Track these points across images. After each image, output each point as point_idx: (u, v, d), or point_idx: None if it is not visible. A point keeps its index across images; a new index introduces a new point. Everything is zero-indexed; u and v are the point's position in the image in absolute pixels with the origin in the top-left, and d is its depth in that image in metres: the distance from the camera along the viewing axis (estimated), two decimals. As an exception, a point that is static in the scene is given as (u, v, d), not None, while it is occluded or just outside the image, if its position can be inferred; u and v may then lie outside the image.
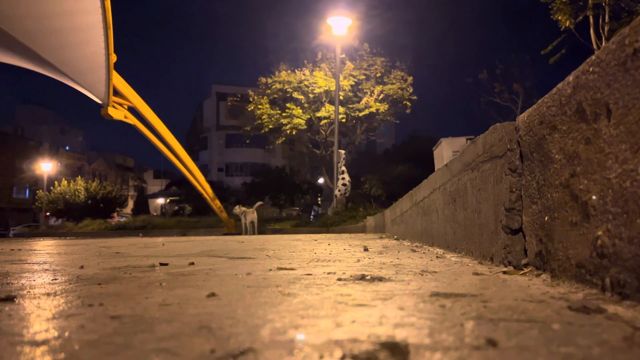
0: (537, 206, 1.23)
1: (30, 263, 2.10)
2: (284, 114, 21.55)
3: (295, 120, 21.36)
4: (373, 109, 21.08)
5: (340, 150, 15.36)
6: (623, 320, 0.68)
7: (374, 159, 29.86)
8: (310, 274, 1.40)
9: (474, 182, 1.83)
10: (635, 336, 0.60)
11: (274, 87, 21.97)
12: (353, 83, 21.17)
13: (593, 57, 0.93)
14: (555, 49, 10.89)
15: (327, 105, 21.19)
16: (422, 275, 1.33)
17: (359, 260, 1.89)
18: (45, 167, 37.11)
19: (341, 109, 19.42)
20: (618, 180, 0.83)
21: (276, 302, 0.91)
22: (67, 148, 59.09)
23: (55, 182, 28.39)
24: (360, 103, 21.23)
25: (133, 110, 9.60)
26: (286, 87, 21.61)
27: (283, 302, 0.91)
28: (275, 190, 24.34)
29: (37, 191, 36.93)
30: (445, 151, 9.53)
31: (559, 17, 10.14)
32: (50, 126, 59.86)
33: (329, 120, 21.26)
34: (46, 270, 1.73)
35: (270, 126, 22.16)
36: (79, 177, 29.43)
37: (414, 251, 2.51)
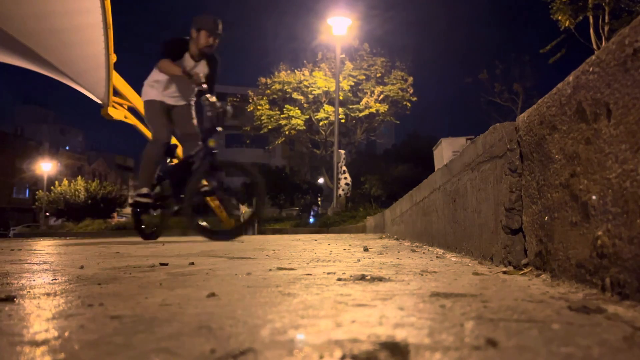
0: (537, 206, 1.23)
1: (30, 263, 2.10)
2: (282, 115, 21.54)
3: (294, 121, 21.38)
4: (373, 110, 21.09)
5: (340, 151, 15.37)
6: (623, 320, 0.68)
7: (374, 159, 29.88)
8: (310, 274, 1.40)
9: (474, 182, 1.83)
10: (635, 336, 0.60)
11: (273, 87, 21.98)
12: (353, 84, 21.18)
13: (593, 57, 0.93)
14: (554, 49, 10.90)
15: (326, 106, 21.17)
16: (422, 275, 1.34)
17: (359, 260, 1.89)
18: (45, 167, 37.13)
19: (341, 110, 19.42)
20: (618, 180, 0.83)
21: (276, 302, 0.91)
22: (67, 148, 59.08)
23: (56, 182, 28.39)
24: (360, 104, 21.24)
25: (133, 110, 9.59)
26: (286, 87, 21.62)
27: (283, 302, 0.91)
28: (275, 190, 24.34)
29: (37, 191, 36.91)
30: (445, 151, 9.54)
31: (559, 17, 10.15)
32: (50, 126, 59.86)
33: (328, 120, 21.26)
34: (46, 270, 1.73)
35: (270, 127, 22.18)
36: (79, 177, 29.43)
37: (414, 251, 2.51)
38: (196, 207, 4.67)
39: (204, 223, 4.64)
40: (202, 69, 4.62)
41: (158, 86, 4.61)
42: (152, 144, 4.62)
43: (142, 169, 4.64)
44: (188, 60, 4.52)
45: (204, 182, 4.70)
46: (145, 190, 4.60)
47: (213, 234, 4.50)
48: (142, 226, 5.05)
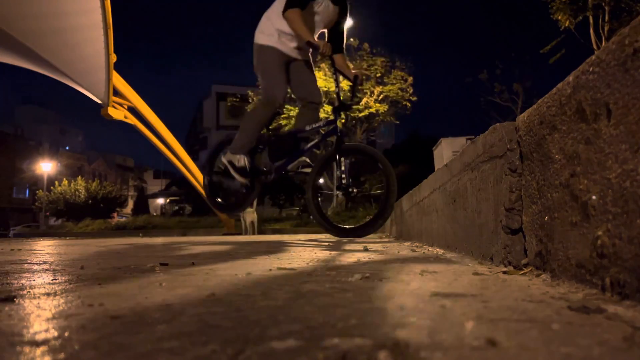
0: (537, 206, 1.23)
1: (30, 263, 2.10)
2: (282, 115, 21.50)
3: (294, 121, 21.32)
4: (373, 110, 21.07)
5: (340, 150, 15.30)
6: (623, 320, 0.68)
7: (374, 159, 29.80)
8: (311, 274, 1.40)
9: (474, 182, 1.83)
10: (635, 336, 0.60)
11: (274, 87, 21.91)
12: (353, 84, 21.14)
13: (593, 57, 0.93)
14: (554, 49, 10.89)
15: (326, 106, 21.14)
16: (422, 275, 1.33)
17: (359, 260, 1.89)
18: (45, 167, 37.08)
19: (341, 109, 19.37)
20: (618, 180, 0.83)
21: (276, 302, 0.91)
22: (67, 148, 59.05)
23: (56, 182, 28.35)
24: (360, 104, 21.22)
25: (133, 110, 9.59)
26: (286, 87, 21.56)
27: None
28: (275, 190, 24.30)
29: (37, 191, 36.94)
30: (445, 151, 9.55)
31: (559, 17, 10.14)
32: (50, 126, 59.86)
33: (328, 120, 21.20)
34: (46, 270, 1.73)
35: (270, 127, 22.13)
36: (79, 177, 29.38)
37: (413, 251, 2.51)
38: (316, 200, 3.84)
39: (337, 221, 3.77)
40: (332, 15, 3.76)
41: (278, 34, 3.70)
42: (264, 106, 3.72)
43: (244, 131, 3.78)
44: (320, 3, 3.66)
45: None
46: (242, 160, 3.74)
47: (344, 231, 3.80)
48: (218, 199, 4.26)
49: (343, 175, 3.67)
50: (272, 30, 3.67)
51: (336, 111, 3.80)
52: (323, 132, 3.81)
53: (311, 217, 3.91)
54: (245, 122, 3.84)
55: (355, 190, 3.82)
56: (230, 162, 3.79)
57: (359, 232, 3.69)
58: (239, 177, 3.81)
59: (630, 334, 0.62)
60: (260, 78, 3.80)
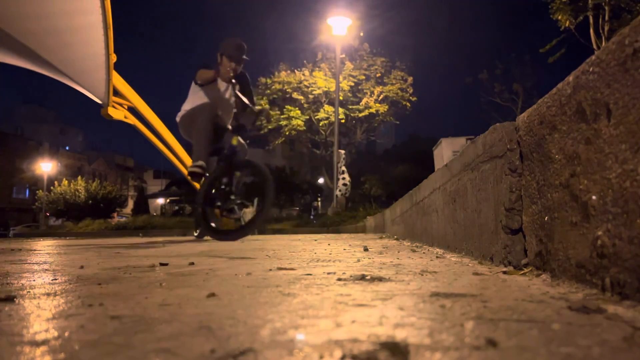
0: (537, 206, 1.23)
1: (30, 263, 2.10)
2: (282, 116, 21.51)
3: (294, 122, 21.37)
4: (373, 110, 21.09)
5: (340, 150, 15.37)
6: (623, 320, 0.68)
7: (374, 159, 29.89)
8: (310, 274, 1.40)
9: (474, 182, 1.83)
10: (635, 336, 0.60)
11: (273, 87, 21.99)
12: (353, 84, 21.17)
13: (593, 57, 0.93)
14: (554, 48, 10.90)
15: (326, 106, 21.17)
16: (422, 275, 1.33)
17: (359, 260, 1.89)
18: (45, 167, 37.09)
19: (341, 110, 19.42)
20: (618, 180, 0.83)
21: (276, 302, 0.91)
22: (67, 148, 59.07)
23: (56, 182, 28.37)
24: (360, 104, 21.24)
25: (133, 110, 9.58)
26: (286, 87, 21.62)
27: (283, 302, 0.91)
28: (275, 190, 24.32)
29: (37, 191, 36.95)
30: (445, 151, 9.57)
31: (559, 17, 10.15)
32: (50, 126, 59.90)
33: (328, 121, 21.25)
34: (46, 270, 1.73)
35: (270, 127, 22.14)
36: (79, 177, 29.39)
37: (414, 251, 2.51)
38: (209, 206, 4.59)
39: (213, 224, 4.59)
40: (232, 91, 4.77)
41: (184, 112, 4.73)
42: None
43: (197, 143, 4.47)
44: (220, 84, 4.67)
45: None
46: (199, 163, 4.36)
47: (221, 234, 4.44)
48: (212, 224, 4.88)
49: (230, 185, 4.58)
50: (182, 112, 4.72)
51: (232, 132, 4.69)
52: (225, 152, 4.62)
53: (196, 219, 4.90)
54: (195, 136, 4.52)
55: (238, 202, 4.71)
56: (192, 172, 4.39)
57: (235, 235, 4.34)
58: (200, 170, 4.39)
59: (630, 334, 0.62)
60: (195, 122, 4.54)
